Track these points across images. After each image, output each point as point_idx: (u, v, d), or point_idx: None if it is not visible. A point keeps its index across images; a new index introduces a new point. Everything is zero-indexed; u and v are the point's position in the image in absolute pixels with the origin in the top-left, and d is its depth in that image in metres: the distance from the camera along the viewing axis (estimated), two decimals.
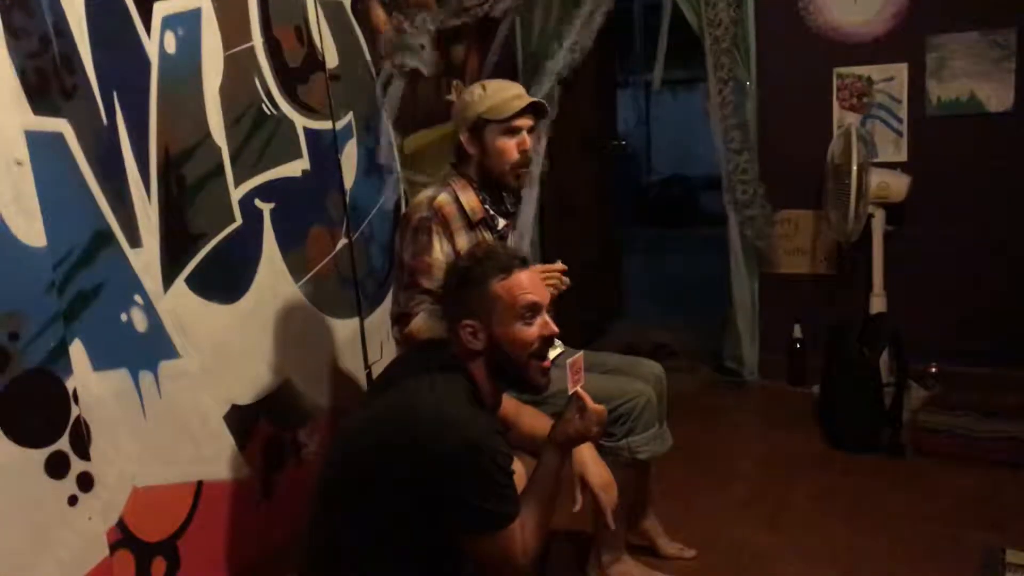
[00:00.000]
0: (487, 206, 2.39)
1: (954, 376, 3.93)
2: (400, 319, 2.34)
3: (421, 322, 2.28)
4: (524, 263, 1.87)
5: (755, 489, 3.23)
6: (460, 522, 1.68)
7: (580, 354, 1.90)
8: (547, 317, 1.85)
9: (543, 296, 1.86)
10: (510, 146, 2.34)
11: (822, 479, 3.28)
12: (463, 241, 2.33)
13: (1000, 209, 3.89)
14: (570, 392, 1.85)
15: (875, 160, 3.90)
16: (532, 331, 1.82)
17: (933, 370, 3.94)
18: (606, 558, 2.51)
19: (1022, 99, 3.76)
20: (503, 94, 2.35)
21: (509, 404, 2.10)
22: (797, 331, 4.26)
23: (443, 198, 2.34)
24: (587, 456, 2.04)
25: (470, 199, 2.37)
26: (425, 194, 2.38)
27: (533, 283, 1.85)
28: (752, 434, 3.98)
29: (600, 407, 1.82)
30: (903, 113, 3.97)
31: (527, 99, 2.36)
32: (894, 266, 3.97)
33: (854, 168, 3.63)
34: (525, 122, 2.35)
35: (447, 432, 1.66)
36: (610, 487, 2.03)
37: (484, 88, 2.37)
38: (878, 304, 3.91)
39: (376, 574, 1.73)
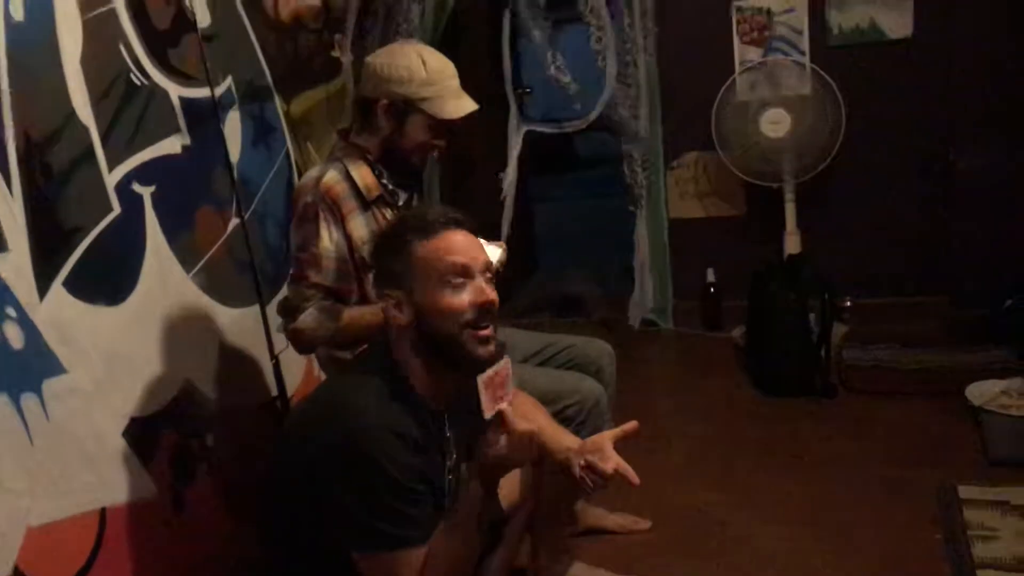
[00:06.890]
0: (384, 180, 2.15)
1: (867, 308, 3.92)
2: (287, 312, 2.11)
3: (309, 318, 2.05)
4: (456, 223, 1.64)
5: (694, 446, 3.11)
6: (342, 536, 1.51)
7: (502, 364, 1.62)
8: (483, 282, 1.61)
9: (475, 259, 1.61)
10: (431, 141, 2.12)
11: (759, 429, 3.20)
12: (357, 223, 2.10)
13: (905, 136, 3.88)
14: (487, 415, 1.57)
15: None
16: (462, 299, 1.58)
17: (847, 304, 3.91)
18: (546, 562, 2.28)
19: (920, 24, 3.74)
20: (445, 83, 2.08)
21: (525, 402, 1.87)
22: (710, 275, 4.18)
23: (330, 177, 2.08)
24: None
25: (364, 175, 2.11)
26: (310, 175, 2.13)
27: (464, 244, 1.62)
28: (679, 386, 3.86)
29: (528, 429, 1.55)
30: (805, 45, 3.89)
31: (470, 104, 2.10)
32: (801, 202, 3.91)
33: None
34: (454, 123, 2.11)
35: (336, 438, 1.50)
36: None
37: (424, 63, 2.06)
38: (792, 243, 3.86)
39: None
